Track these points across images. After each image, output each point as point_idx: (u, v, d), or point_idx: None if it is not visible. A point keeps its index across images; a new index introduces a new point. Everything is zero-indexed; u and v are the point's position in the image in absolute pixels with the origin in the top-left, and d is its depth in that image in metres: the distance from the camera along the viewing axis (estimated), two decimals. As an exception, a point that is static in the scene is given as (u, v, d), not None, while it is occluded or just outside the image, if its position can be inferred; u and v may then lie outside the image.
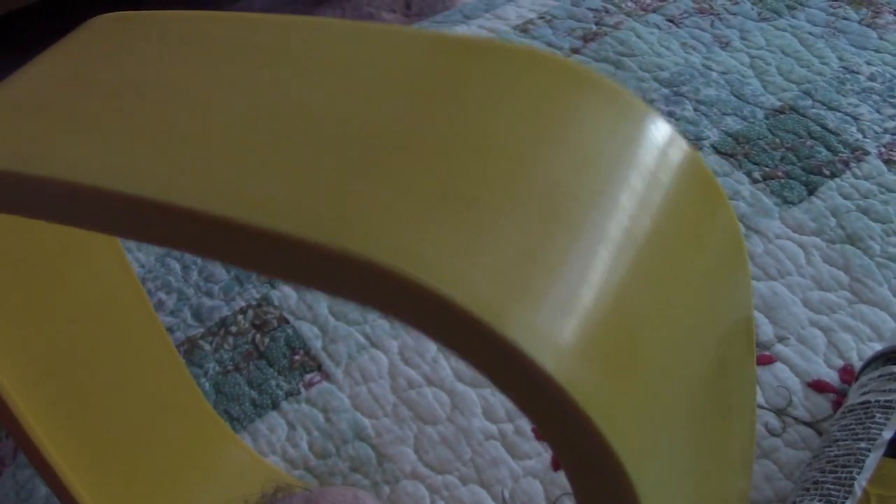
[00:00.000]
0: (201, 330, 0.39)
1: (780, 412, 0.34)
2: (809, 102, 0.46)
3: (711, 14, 0.53)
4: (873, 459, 0.27)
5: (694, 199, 0.16)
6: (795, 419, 0.34)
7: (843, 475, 0.27)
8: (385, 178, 0.15)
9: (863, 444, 0.28)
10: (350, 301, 0.14)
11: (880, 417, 0.28)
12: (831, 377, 0.35)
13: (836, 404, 0.34)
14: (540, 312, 0.13)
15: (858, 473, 0.27)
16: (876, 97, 0.46)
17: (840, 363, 0.35)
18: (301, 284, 0.14)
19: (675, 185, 0.16)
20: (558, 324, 0.13)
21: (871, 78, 0.48)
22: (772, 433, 0.34)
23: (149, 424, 0.31)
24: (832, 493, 0.27)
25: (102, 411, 0.29)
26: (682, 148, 0.16)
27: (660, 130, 0.16)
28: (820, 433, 0.33)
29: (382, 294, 0.13)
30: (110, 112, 0.17)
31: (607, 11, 0.54)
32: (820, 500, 0.27)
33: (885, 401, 0.28)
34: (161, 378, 0.31)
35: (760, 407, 0.34)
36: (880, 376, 0.30)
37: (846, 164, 0.43)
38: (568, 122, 0.16)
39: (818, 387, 0.35)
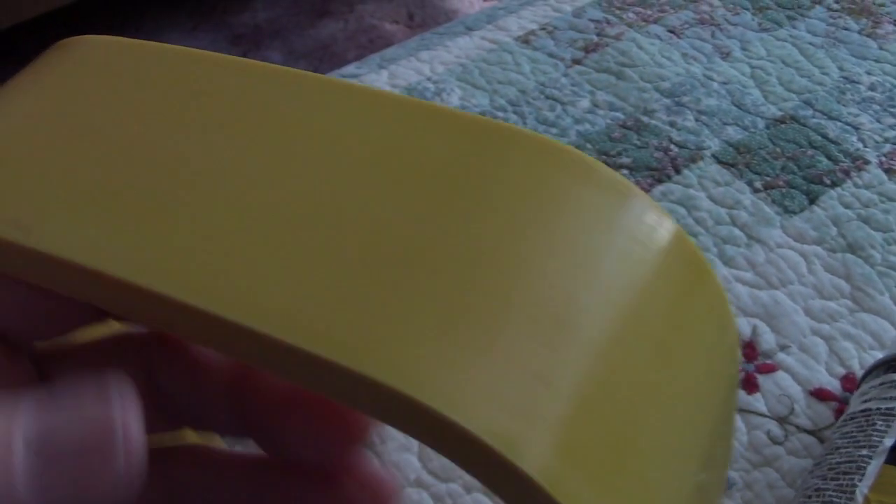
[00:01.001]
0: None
1: (782, 420, 0.34)
2: (810, 112, 0.47)
3: (712, 25, 0.54)
4: (875, 466, 0.27)
5: (682, 280, 0.16)
6: (797, 427, 0.34)
7: (845, 482, 0.27)
8: (392, 286, 0.14)
9: (864, 452, 0.28)
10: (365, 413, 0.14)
11: (881, 425, 0.28)
12: (833, 385, 0.35)
13: (838, 412, 0.34)
14: (546, 436, 0.13)
15: (860, 480, 0.27)
16: (876, 107, 0.47)
17: (842, 371, 0.36)
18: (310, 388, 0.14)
19: (667, 272, 0.16)
20: (562, 447, 0.13)
21: (872, 88, 0.48)
22: (774, 441, 0.34)
23: None
24: (833, 499, 0.27)
25: None
26: (670, 230, 0.16)
27: (653, 219, 0.16)
28: (822, 441, 0.34)
29: (394, 415, 0.13)
30: (83, 168, 0.16)
31: (608, 22, 0.55)
32: (822, 508, 0.27)
33: (887, 408, 0.29)
34: None
35: (762, 415, 0.35)
36: (881, 384, 0.30)
37: (847, 173, 0.43)
38: (572, 219, 0.16)
39: (820, 395, 0.35)
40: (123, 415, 0.13)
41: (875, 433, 0.28)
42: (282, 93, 0.17)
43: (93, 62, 0.18)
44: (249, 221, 0.15)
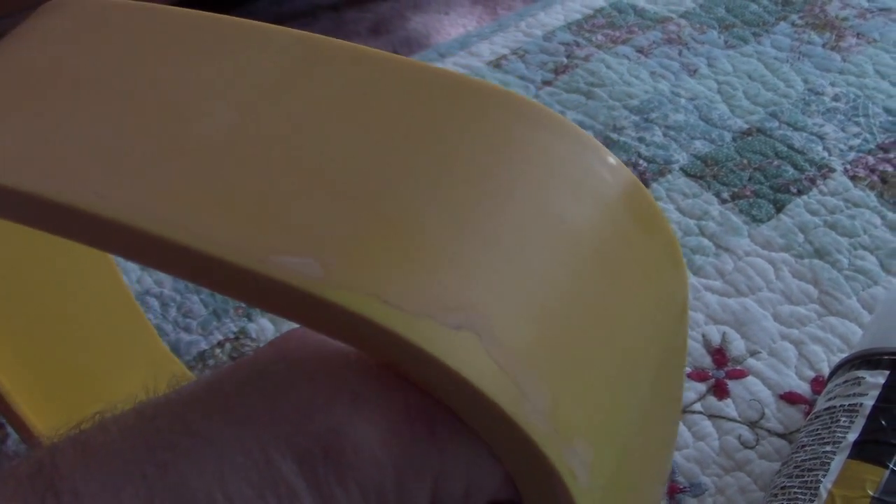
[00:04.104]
0: (180, 365, 0.39)
1: (753, 425, 0.34)
2: (776, 124, 0.47)
3: (679, 44, 0.55)
4: (838, 462, 0.27)
5: (633, 218, 0.17)
6: (769, 431, 0.34)
7: (809, 479, 0.27)
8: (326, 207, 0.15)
9: (828, 448, 0.28)
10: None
11: (845, 421, 0.28)
12: (803, 389, 0.35)
13: (808, 415, 0.34)
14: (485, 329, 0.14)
15: (824, 476, 0.27)
16: (841, 117, 0.47)
17: (811, 375, 0.36)
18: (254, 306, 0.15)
19: (619, 211, 0.17)
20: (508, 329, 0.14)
21: (836, 98, 0.49)
22: (745, 445, 0.34)
23: (79, 328, 0.31)
24: (798, 496, 0.27)
25: (39, 320, 0.29)
26: (625, 176, 0.17)
27: (608, 165, 0.17)
28: (792, 444, 0.34)
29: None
30: (50, 109, 0.17)
31: (578, 45, 0.56)
32: (787, 505, 0.27)
33: (850, 405, 0.29)
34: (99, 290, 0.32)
35: (733, 420, 0.35)
36: (845, 382, 0.30)
37: (813, 181, 0.44)
38: (525, 160, 0.16)
39: (790, 398, 0.35)
40: None
41: (839, 429, 0.28)
42: (260, 48, 0.18)
43: (81, 21, 0.19)
44: (204, 158, 0.16)
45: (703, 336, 0.38)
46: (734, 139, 0.47)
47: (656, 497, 0.21)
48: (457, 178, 0.16)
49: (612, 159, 0.17)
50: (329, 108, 0.17)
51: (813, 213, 0.42)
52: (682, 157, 0.46)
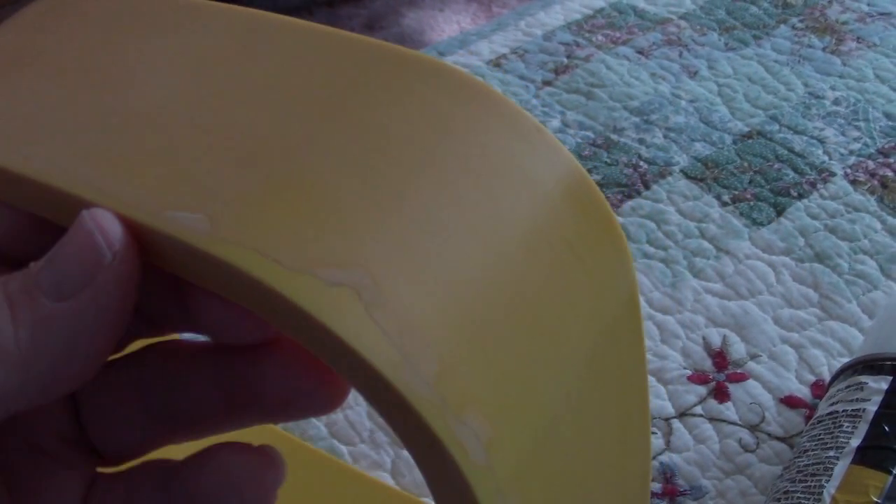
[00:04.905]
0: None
1: (753, 428, 0.34)
2: (776, 127, 0.47)
3: (679, 45, 0.55)
4: (841, 467, 0.27)
5: (575, 208, 0.17)
6: (769, 435, 0.34)
7: (813, 483, 0.27)
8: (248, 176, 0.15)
9: (831, 453, 0.28)
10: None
11: (848, 426, 0.28)
12: (803, 392, 0.35)
13: (809, 419, 0.34)
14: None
15: (827, 481, 0.27)
16: (841, 120, 0.47)
17: (811, 378, 0.36)
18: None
19: (560, 200, 0.17)
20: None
21: (836, 102, 0.49)
22: (746, 449, 0.34)
23: None
24: (802, 501, 0.27)
25: None
26: (568, 164, 0.17)
27: (553, 154, 0.17)
28: (793, 448, 0.34)
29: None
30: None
31: (578, 45, 0.56)
32: (790, 510, 0.27)
33: (853, 410, 0.29)
34: None
35: (734, 424, 0.35)
36: (847, 387, 0.30)
37: (813, 185, 0.44)
38: (458, 144, 0.16)
39: (790, 402, 0.35)
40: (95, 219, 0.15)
41: (842, 434, 0.28)
42: (207, 24, 0.19)
43: (55, 6, 0.20)
44: (127, 127, 0.17)
45: (704, 339, 0.38)
46: (734, 142, 0.47)
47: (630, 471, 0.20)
48: (372, 147, 0.16)
49: (552, 141, 0.17)
50: (258, 78, 0.17)
51: (813, 216, 0.42)
52: (682, 160, 0.46)
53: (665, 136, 0.48)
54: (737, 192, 0.44)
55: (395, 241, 0.14)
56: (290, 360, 0.18)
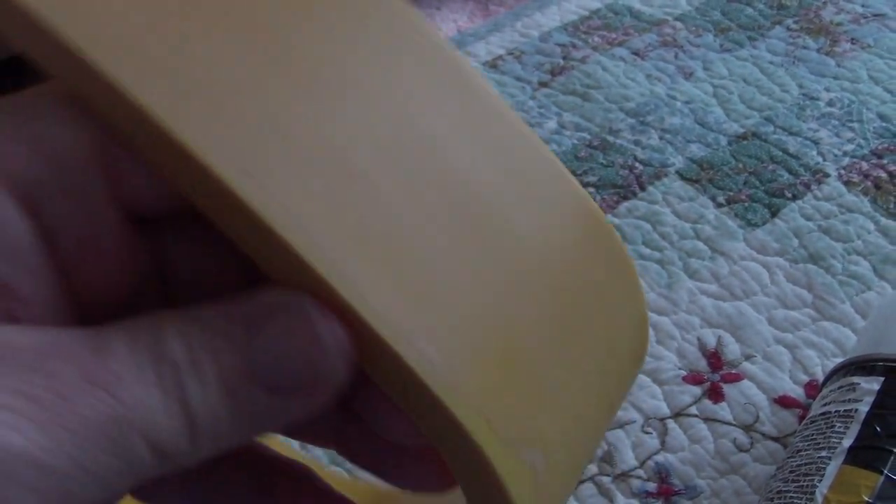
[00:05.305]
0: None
1: (747, 428, 0.35)
2: (771, 128, 0.48)
3: (675, 47, 0.55)
4: (833, 467, 0.28)
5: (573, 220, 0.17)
6: (763, 435, 0.35)
7: (805, 483, 0.28)
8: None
9: (823, 453, 0.28)
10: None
11: (840, 426, 0.29)
12: (797, 392, 0.36)
13: (802, 419, 0.35)
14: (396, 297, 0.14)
15: (819, 481, 0.27)
16: (835, 122, 0.48)
17: (805, 379, 0.36)
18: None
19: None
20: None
21: (830, 104, 0.49)
22: (740, 449, 0.34)
23: None
24: (794, 501, 0.27)
25: None
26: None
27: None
28: (787, 447, 0.34)
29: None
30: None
31: (574, 46, 0.56)
32: (783, 509, 0.28)
33: (845, 410, 0.29)
34: None
35: (728, 424, 0.35)
36: (840, 387, 0.30)
37: (807, 186, 0.44)
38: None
39: (784, 402, 0.36)
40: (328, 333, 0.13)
41: (834, 435, 0.29)
42: None
43: None
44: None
45: (699, 339, 0.38)
46: (729, 143, 0.47)
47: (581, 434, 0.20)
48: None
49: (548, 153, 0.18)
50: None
51: (807, 217, 0.42)
52: (677, 161, 0.46)
53: (660, 138, 0.48)
54: (732, 194, 0.44)
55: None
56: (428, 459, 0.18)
